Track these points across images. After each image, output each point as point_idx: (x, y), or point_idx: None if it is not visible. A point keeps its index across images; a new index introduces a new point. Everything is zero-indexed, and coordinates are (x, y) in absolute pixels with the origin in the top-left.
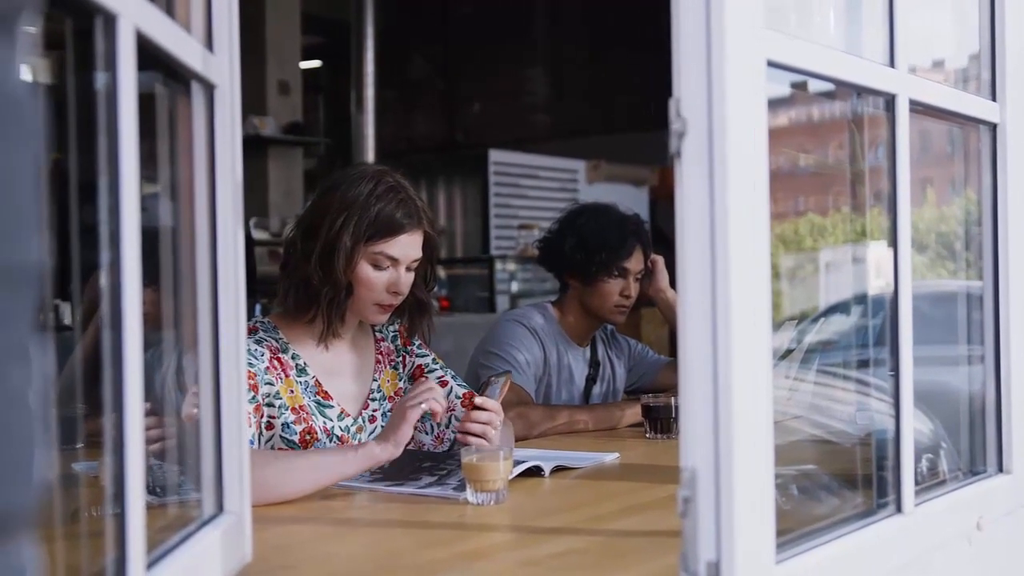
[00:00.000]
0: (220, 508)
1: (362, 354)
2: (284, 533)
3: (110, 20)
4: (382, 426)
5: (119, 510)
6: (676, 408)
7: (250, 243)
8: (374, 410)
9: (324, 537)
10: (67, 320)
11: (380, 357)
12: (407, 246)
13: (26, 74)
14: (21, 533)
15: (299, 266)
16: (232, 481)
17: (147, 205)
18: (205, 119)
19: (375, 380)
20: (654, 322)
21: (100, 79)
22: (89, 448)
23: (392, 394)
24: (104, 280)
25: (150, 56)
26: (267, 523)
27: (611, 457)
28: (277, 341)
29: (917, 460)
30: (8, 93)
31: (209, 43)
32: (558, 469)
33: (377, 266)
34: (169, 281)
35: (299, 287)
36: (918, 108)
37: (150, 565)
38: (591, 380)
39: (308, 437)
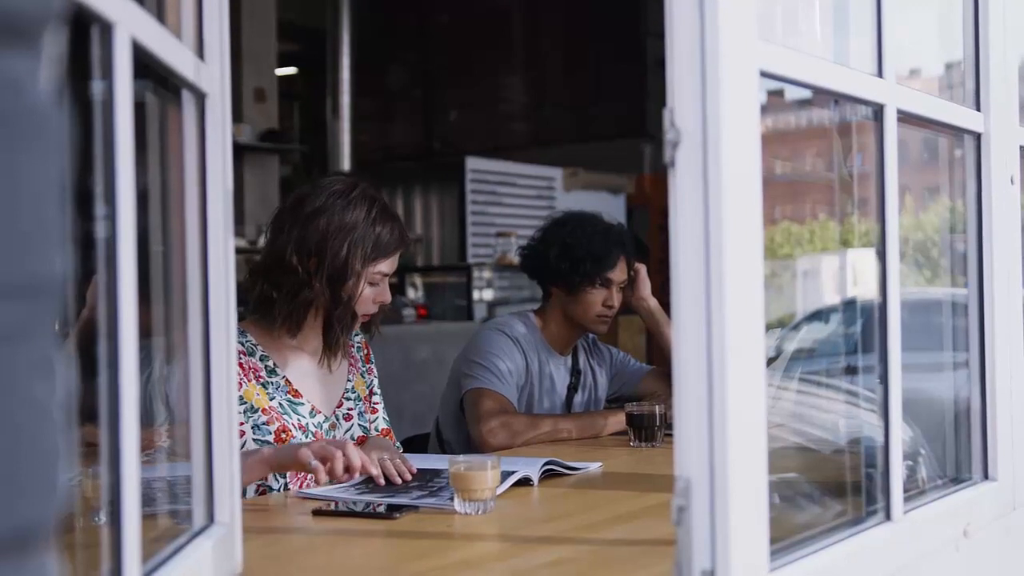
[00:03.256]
0: (211, 519)
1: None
2: (274, 544)
3: (106, 29)
4: (359, 424)
5: (110, 521)
6: (660, 416)
7: None
8: (349, 408)
9: (314, 548)
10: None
11: (352, 360)
12: (396, 261)
13: (49, 85)
14: (49, 545)
15: (301, 289)
16: (223, 492)
17: (136, 214)
18: (196, 128)
19: (349, 380)
20: (631, 330)
21: (96, 87)
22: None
23: (363, 396)
24: (100, 288)
25: (143, 64)
26: (257, 534)
27: (595, 466)
28: (243, 344)
29: None
30: (34, 105)
31: (200, 51)
32: (547, 474)
33: (372, 283)
34: (158, 289)
35: (301, 308)
36: (904, 117)
37: None
38: (573, 389)
39: (284, 435)
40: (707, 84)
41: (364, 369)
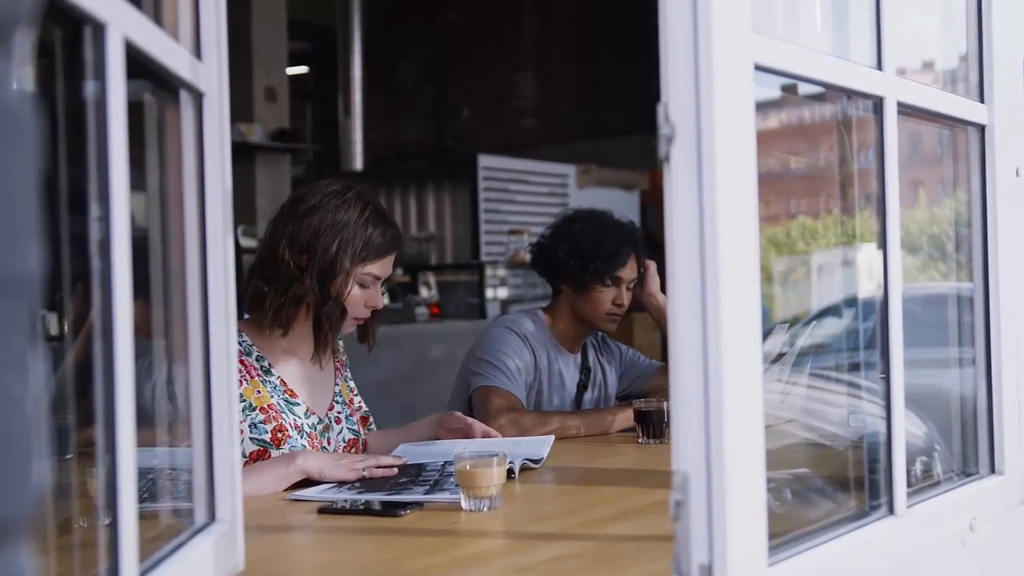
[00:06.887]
0: (212, 517)
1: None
2: (276, 542)
3: (99, 29)
4: (348, 428)
5: (110, 520)
6: (668, 412)
7: (237, 251)
8: (338, 412)
9: (316, 546)
10: (53, 331)
11: (339, 366)
12: (389, 265)
13: (22, 84)
14: (19, 541)
15: (292, 284)
16: (224, 490)
17: (134, 214)
18: (194, 127)
19: (336, 385)
20: (645, 327)
21: (89, 88)
22: (79, 459)
23: (348, 401)
24: (95, 290)
25: (138, 64)
26: (259, 532)
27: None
28: (240, 345)
29: (911, 463)
30: (7, 104)
31: (197, 51)
32: (522, 468)
33: (362, 285)
34: (158, 291)
35: (291, 303)
36: (906, 110)
37: (142, 574)
38: (582, 386)
39: (280, 435)
40: (700, 78)
41: (347, 376)
